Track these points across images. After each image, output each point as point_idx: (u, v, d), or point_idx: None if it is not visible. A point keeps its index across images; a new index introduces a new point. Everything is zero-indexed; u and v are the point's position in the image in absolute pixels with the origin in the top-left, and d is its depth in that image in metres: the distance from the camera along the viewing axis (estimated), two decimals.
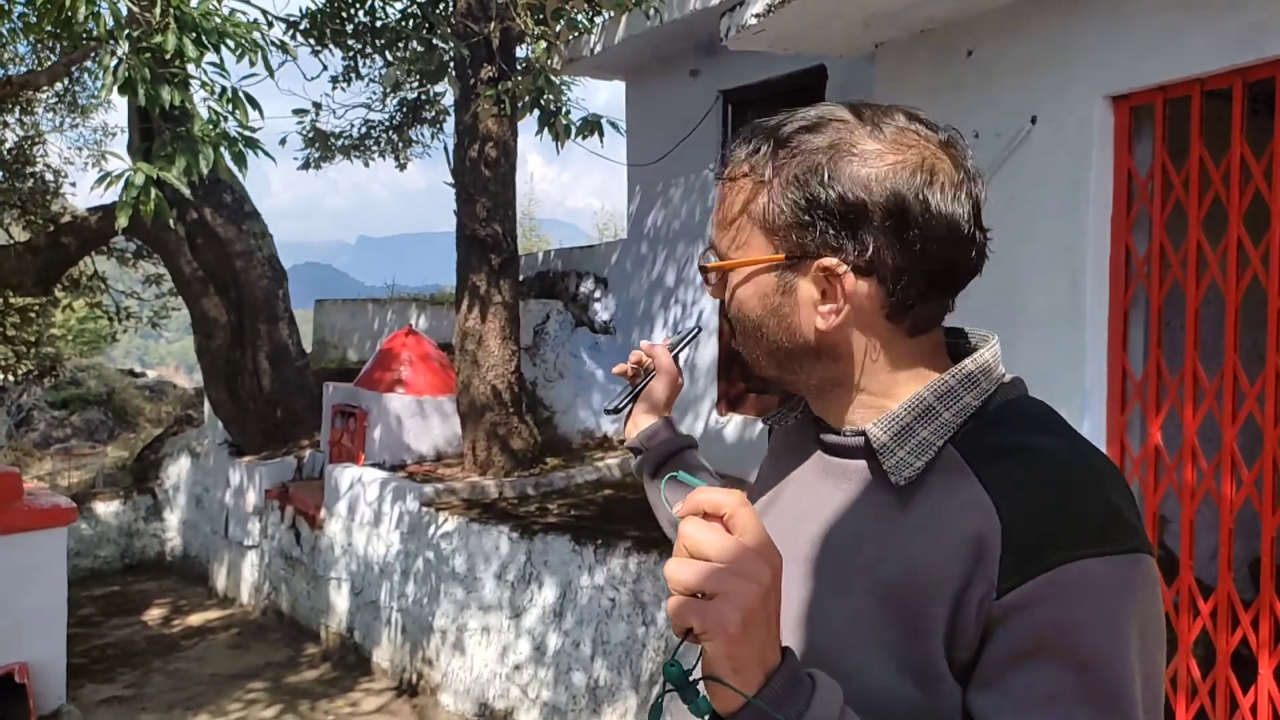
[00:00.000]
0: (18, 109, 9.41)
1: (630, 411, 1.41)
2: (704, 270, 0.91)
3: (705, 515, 0.71)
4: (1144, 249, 3.28)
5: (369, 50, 7.29)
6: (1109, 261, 3.35)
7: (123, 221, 2.98)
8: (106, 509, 8.62)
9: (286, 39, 6.47)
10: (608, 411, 1.41)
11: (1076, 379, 3.36)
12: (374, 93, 8.46)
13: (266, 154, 3.47)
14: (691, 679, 0.71)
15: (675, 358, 1.38)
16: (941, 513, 0.80)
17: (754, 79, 6.00)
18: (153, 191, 2.95)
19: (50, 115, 10.70)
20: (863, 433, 0.86)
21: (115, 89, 2.93)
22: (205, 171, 3.11)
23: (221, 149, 3.15)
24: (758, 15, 3.88)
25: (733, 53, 5.14)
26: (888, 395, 0.87)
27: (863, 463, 0.88)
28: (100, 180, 2.99)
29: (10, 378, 9.62)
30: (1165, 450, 3.20)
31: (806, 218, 0.82)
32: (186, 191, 3.23)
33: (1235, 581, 3.06)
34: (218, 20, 3.27)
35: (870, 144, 0.82)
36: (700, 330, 1.40)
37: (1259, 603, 2.95)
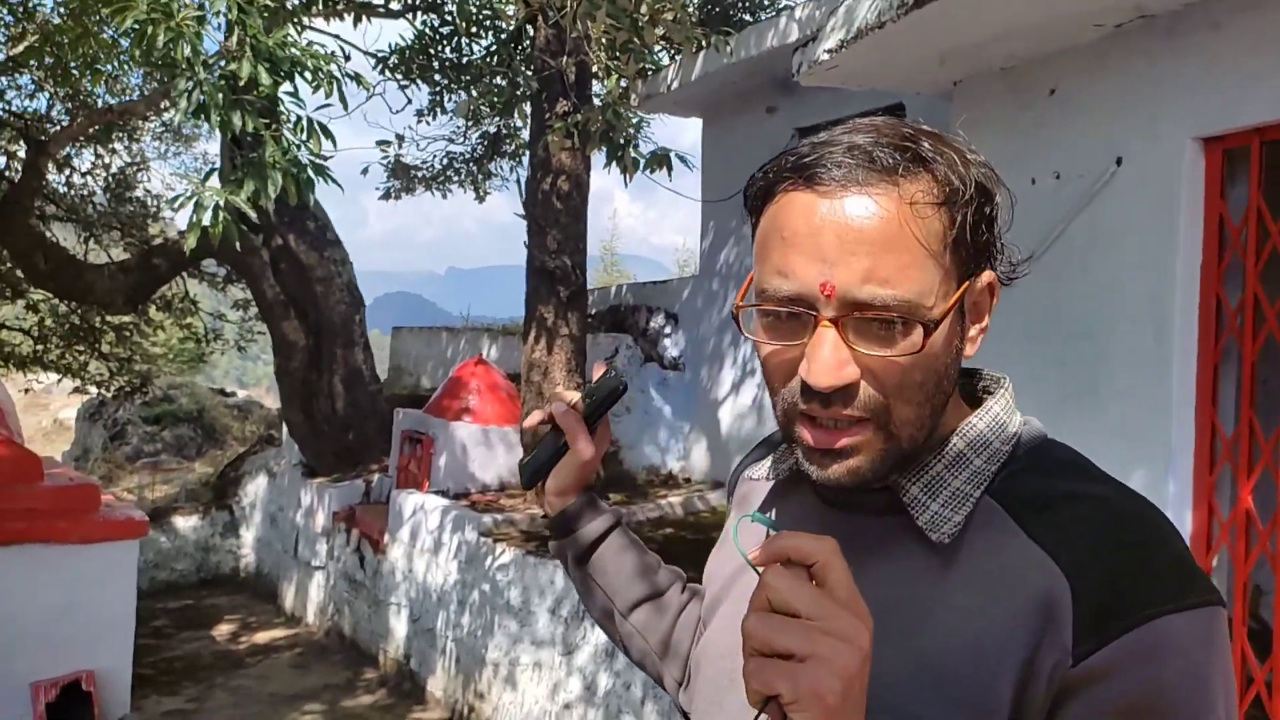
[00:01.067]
0: (126, 137, 9.91)
1: (542, 484, 1.09)
2: (929, 328, 0.70)
3: (788, 564, 0.62)
4: (1236, 300, 3.07)
5: (454, 85, 7.47)
6: (1198, 312, 3.15)
7: (190, 243, 3.06)
8: (185, 523, 8.87)
9: (375, 73, 6.67)
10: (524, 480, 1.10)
11: (1162, 435, 3.15)
12: (457, 126, 8.65)
13: (335, 181, 3.54)
14: None
15: (592, 423, 1.04)
16: (991, 572, 0.71)
17: (830, 116, 5.92)
18: (220, 215, 3.02)
19: (156, 143, 11.25)
20: (886, 486, 0.76)
21: (189, 114, 3.03)
22: (273, 197, 3.18)
23: (290, 176, 3.22)
24: (830, 51, 3.81)
25: (809, 89, 5.08)
26: (929, 436, 0.76)
27: (889, 520, 0.77)
28: (171, 202, 3.08)
29: (104, 392, 10.03)
30: (1257, 515, 2.96)
31: (985, 230, 0.74)
32: (253, 215, 3.30)
33: None
34: (294, 51, 3.36)
35: (970, 153, 0.76)
36: (624, 388, 1.04)
37: None
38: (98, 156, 9.41)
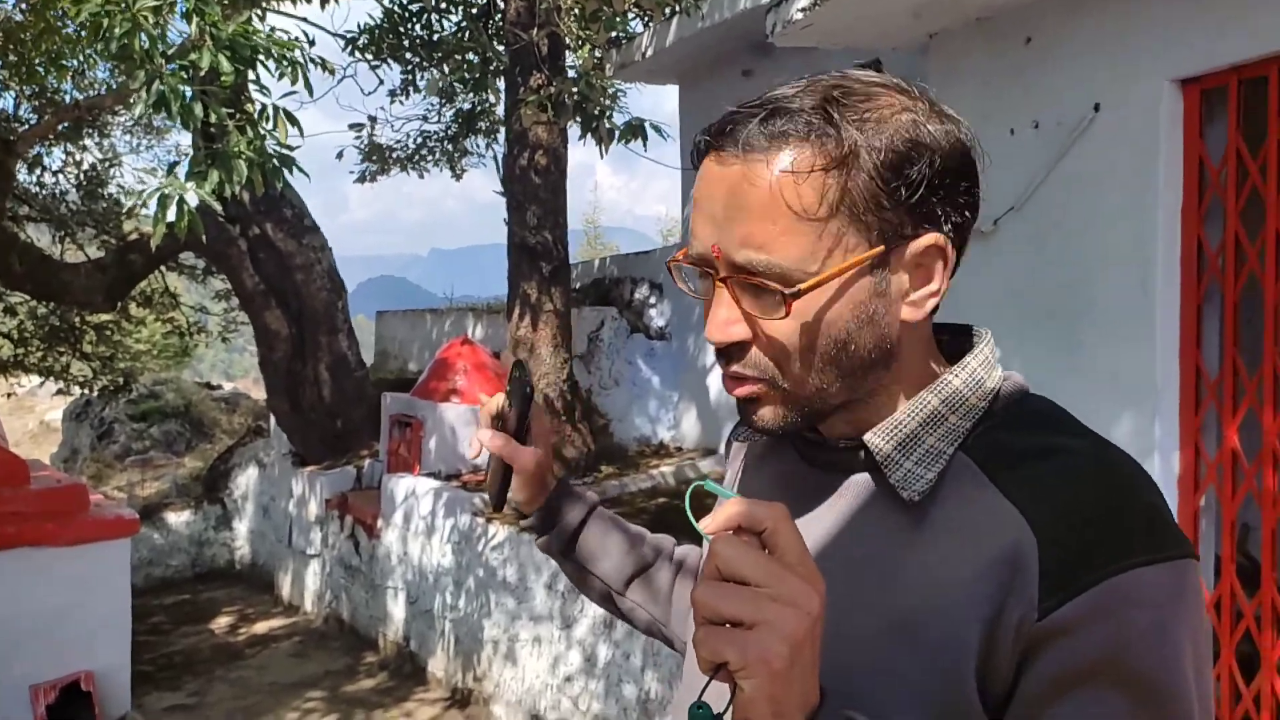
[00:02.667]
0: (96, 132, 9.75)
1: (507, 500, 1.13)
2: (791, 298, 0.69)
3: (738, 531, 0.62)
4: (1217, 241, 3.07)
5: (426, 64, 7.37)
6: (1180, 254, 3.14)
7: (157, 239, 3.01)
8: (178, 519, 8.84)
9: (345, 54, 6.56)
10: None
11: (1147, 379, 3.15)
12: (430, 105, 8.54)
13: (302, 171, 3.48)
14: None
15: (522, 434, 1.09)
16: (961, 528, 0.71)
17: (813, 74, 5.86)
18: (185, 208, 2.97)
19: (127, 138, 11.07)
20: (860, 443, 0.76)
21: (150, 106, 2.96)
22: (238, 187, 3.12)
23: (256, 166, 3.16)
24: (803, 9, 3.77)
25: (785, 52, 5.02)
26: (898, 395, 0.77)
27: (863, 477, 0.78)
28: (139, 197, 3.01)
29: (88, 392, 9.95)
30: (1243, 454, 2.97)
31: (905, 192, 0.69)
32: (218, 208, 3.25)
33: None
34: (256, 39, 3.28)
35: (921, 106, 0.73)
36: (532, 390, 1.10)
37: None
38: (68, 154, 9.26)
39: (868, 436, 0.75)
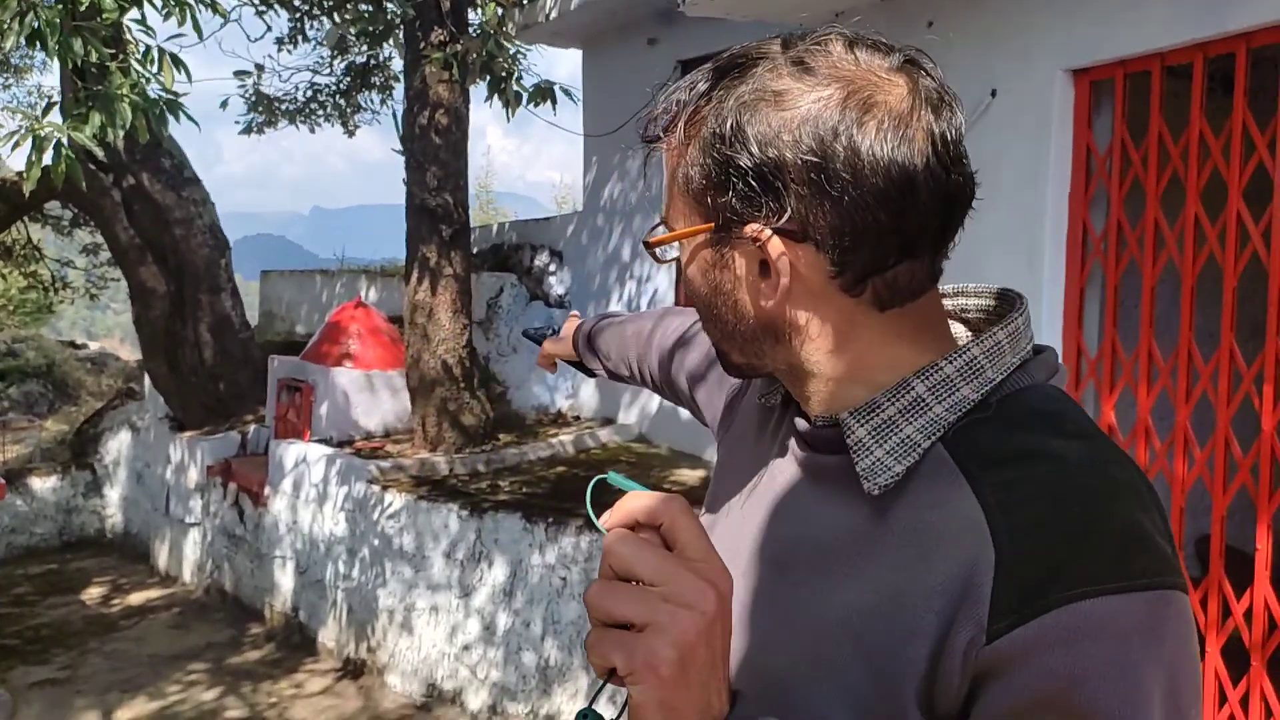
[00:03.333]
0: None
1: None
2: (647, 245, 0.77)
3: (637, 526, 0.59)
4: (1101, 226, 3.24)
5: (315, 11, 7.05)
6: (1066, 238, 3.31)
7: (31, 184, 2.80)
8: (43, 485, 8.35)
9: None
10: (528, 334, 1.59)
11: None
12: (320, 56, 8.19)
13: (190, 118, 3.28)
14: None
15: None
16: (924, 530, 0.66)
17: (714, 48, 5.81)
18: (64, 152, 2.76)
19: None
20: (837, 423, 0.71)
21: (22, 38, 2.73)
22: (120, 133, 2.92)
23: (140, 110, 2.96)
24: None
25: (693, 21, 5.01)
26: (862, 381, 0.71)
27: (839, 459, 0.72)
28: (6, 138, 2.78)
29: None
30: (1119, 428, 3.17)
31: (722, 179, 0.68)
32: (100, 153, 3.04)
33: (1184, 560, 3.05)
34: None
35: (791, 83, 0.66)
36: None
37: (1207, 582, 2.95)
38: None
39: (842, 416, 0.71)
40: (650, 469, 5.61)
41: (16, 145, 2.81)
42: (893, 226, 0.66)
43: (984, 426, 0.68)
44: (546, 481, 5.39)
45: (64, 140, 2.75)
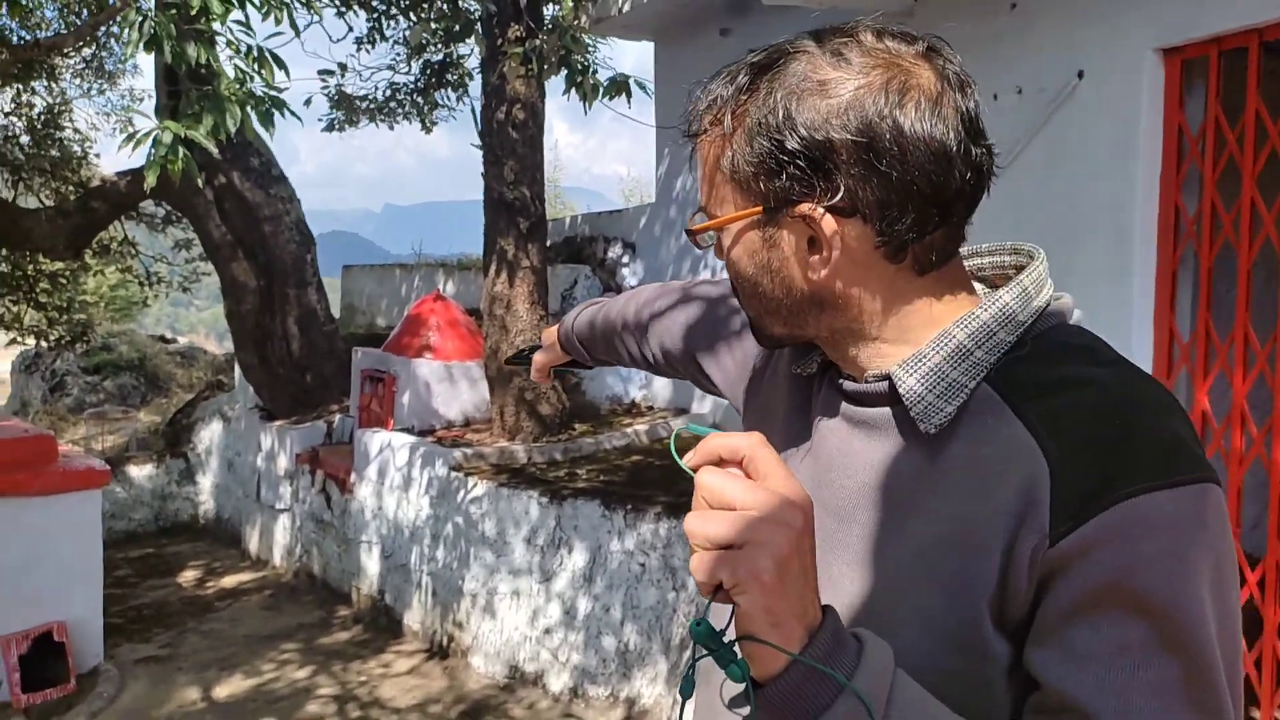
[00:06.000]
0: (45, 76, 9.41)
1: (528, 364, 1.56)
2: (690, 234, 0.85)
3: (721, 462, 0.66)
4: (1194, 208, 3.17)
5: (394, 11, 7.22)
6: (1157, 221, 3.24)
7: (151, 181, 2.96)
8: (140, 472, 8.73)
9: None
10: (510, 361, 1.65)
11: (1122, 341, 3.25)
12: (398, 55, 8.38)
13: (293, 114, 3.43)
14: (725, 639, 0.64)
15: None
16: (979, 460, 0.73)
17: (787, 38, 5.86)
18: (180, 150, 2.92)
19: (78, 82, 10.70)
20: (887, 377, 0.79)
21: (141, 46, 2.89)
22: (232, 130, 3.07)
23: (248, 108, 3.11)
24: None
25: (765, 10, 5.02)
26: (906, 340, 0.79)
27: (888, 410, 0.80)
28: (127, 139, 2.96)
29: (43, 343, 9.71)
30: (1213, 415, 3.11)
31: (773, 165, 0.75)
32: (214, 150, 3.20)
33: None
34: None
35: (831, 73, 0.74)
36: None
37: None
38: (18, 95, 8.94)
39: (892, 369, 0.78)
40: None
41: (137, 145, 2.99)
42: (933, 196, 0.74)
43: (1022, 364, 0.76)
44: (623, 470, 5.46)
45: (180, 138, 2.91)
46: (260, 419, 7.77)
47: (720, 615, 0.65)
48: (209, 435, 8.89)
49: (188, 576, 7.31)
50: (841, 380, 0.84)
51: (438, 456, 5.60)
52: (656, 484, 5.02)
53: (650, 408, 7.08)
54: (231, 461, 8.39)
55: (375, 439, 6.13)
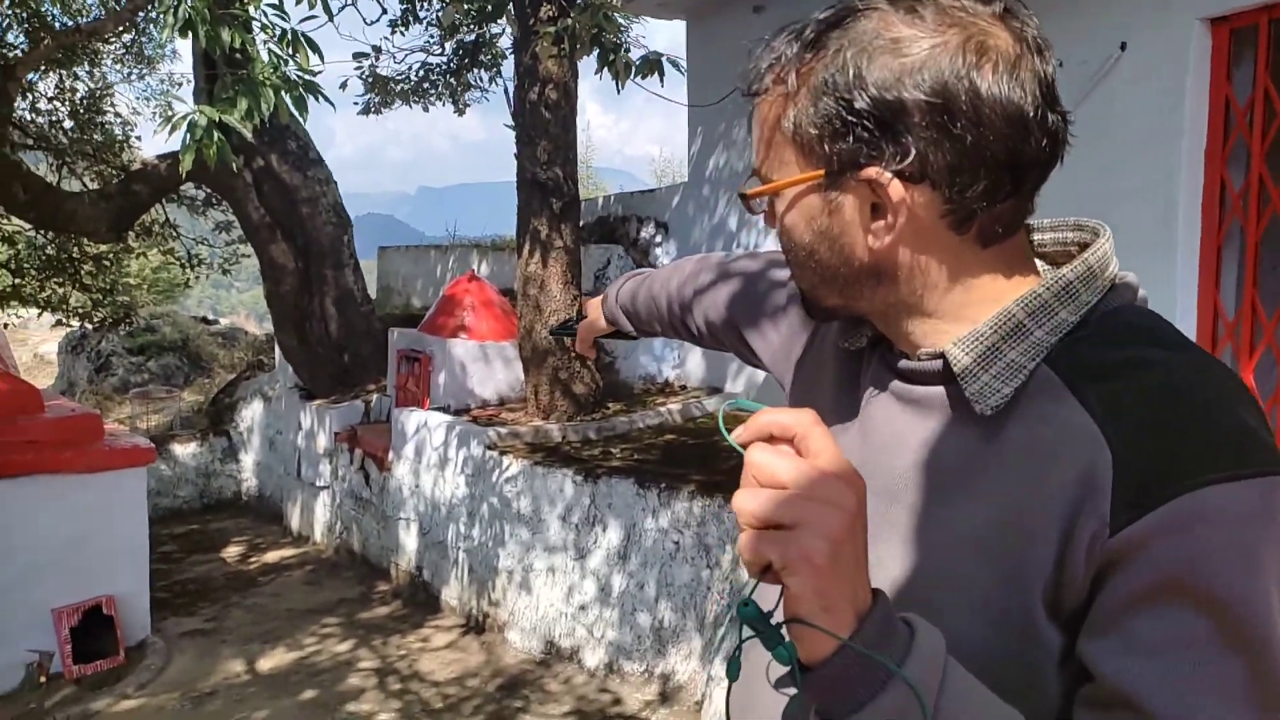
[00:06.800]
0: (87, 60, 9.56)
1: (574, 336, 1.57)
2: (745, 198, 0.81)
3: (772, 439, 0.64)
4: (1241, 182, 3.10)
5: None
6: (1202, 195, 3.18)
7: (187, 164, 3.00)
8: (184, 450, 8.92)
9: None
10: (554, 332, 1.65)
11: (1166, 317, 3.21)
12: (431, 36, 8.40)
13: (326, 99, 3.45)
14: (772, 621, 0.63)
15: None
16: (1038, 443, 0.70)
17: (821, 14, 5.78)
18: (215, 134, 2.96)
19: (118, 67, 10.86)
20: (941, 355, 0.76)
21: (176, 30, 2.93)
22: (267, 114, 3.10)
23: (282, 93, 3.14)
24: None
25: None
26: (963, 317, 0.76)
27: (942, 390, 0.77)
28: (164, 123, 3.00)
29: (88, 325, 9.92)
30: (1259, 393, 3.05)
31: (840, 126, 0.71)
32: (249, 134, 3.24)
33: None
34: None
35: (905, 30, 0.70)
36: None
37: None
38: (61, 81, 9.09)
39: (947, 347, 0.75)
40: None
41: (174, 129, 3.03)
42: (1008, 163, 0.71)
43: (1084, 345, 0.73)
44: (656, 448, 5.48)
45: (216, 123, 2.95)
46: (300, 398, 7.89)
47: (767, 597, 0.64)
48: (250, 414, 9.04)
49: (231, 552, 7.47)
50: (893, 357, 0.82)
51: (473, 435, 5.65)
52: (690, 463, 5.03)
53: (683, 387, 7.08)
54: (272, 440, 8.54)
55: (412, 418, 6.20)
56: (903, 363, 0.81)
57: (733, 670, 0.66)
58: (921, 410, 0.79)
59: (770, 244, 6.43)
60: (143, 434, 9.09)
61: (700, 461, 5.03)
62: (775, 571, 0.61)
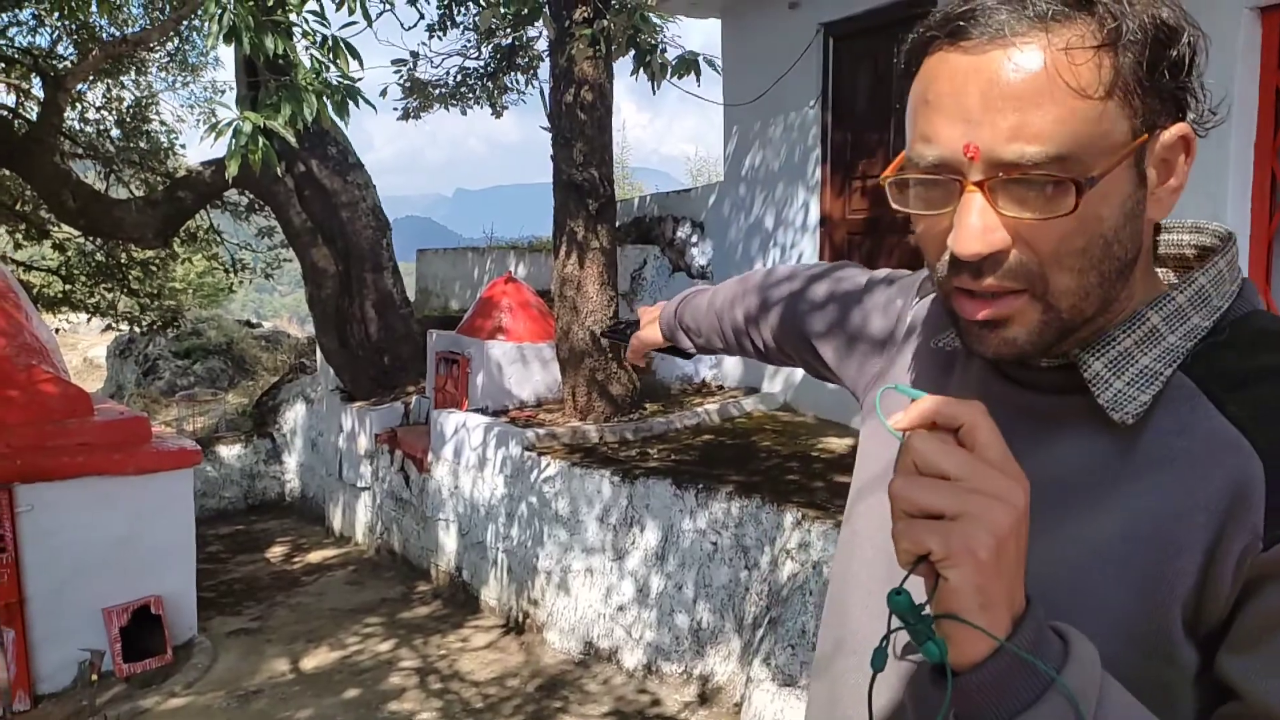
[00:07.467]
0: (133, 70, 9.78)
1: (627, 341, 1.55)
2: (1078, 186, 0.64)
3: (932, 428, 0.61)
4: None
5: None
6: (1252, 188, 3.11)
7: (233, 170, 3.05)
8: (229, 452, 9.07)
9: None
10: (605, 334, 1.63)
11: None
12: (469, 40, 8.47)
13: (368, 103, 3.50)
14: (924, 614, 0.59)
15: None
16: (1176, 453, 0.67)
17: (857, 9, 5.75)
18: (260, 140, 3.01)
19: (163, 75, 11.10)
20: (1068, 361, 0.72)
21: (220, 38, 2.98)
22: (310, 120, 3.15)
23: (324, 98, 3.19)
24: None
25: None
26: (1103, 315, 0.70)
27: (1070, 399, 0.72)
28: (210, 129, 3.07)
29: (135, 328, 10.14)
30: None
31: (1168, 75, 0.64)
32: (292, 139, 3.29)
33: None
34: None
35: None
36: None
37: None
38: (108, 90, 9.31)
39: (1078, 353, 0.71)
40: (797, 437, 5.61)
41: (219, 135, 3.09)
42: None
43: (1221, 351, 0.69)
44: (694, 449, 5.47)
45: (261, 129, 3.00)
46: (341, 400, 7.99)
47: (915, 590, 0.60)
48: (293, 416, 9.18)
49: (275, 552, 7.58)
50: (1013, 361, 0.75)
51: (511, 436, 5.69)
52: (727, 463, 5.02)
53: (720, 387, 7.07)
54: (315, 441, 8.66)
55: (451, 419, 6.25)
56: (1025, 369, 0.75)
57: (878, 660, 0.62)
58: (1041, 420, 0.74)
59: (807, 243, 6.39)
60: (189, 436, 9.27)
61: (738, 462, 5.02)
62: (932, 563, 0.58)
